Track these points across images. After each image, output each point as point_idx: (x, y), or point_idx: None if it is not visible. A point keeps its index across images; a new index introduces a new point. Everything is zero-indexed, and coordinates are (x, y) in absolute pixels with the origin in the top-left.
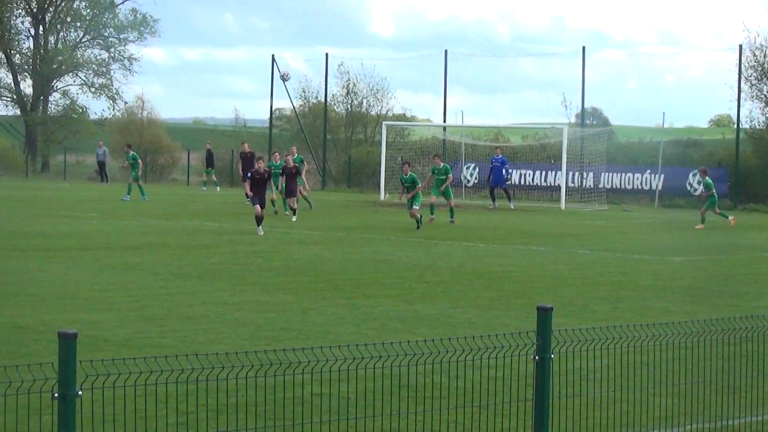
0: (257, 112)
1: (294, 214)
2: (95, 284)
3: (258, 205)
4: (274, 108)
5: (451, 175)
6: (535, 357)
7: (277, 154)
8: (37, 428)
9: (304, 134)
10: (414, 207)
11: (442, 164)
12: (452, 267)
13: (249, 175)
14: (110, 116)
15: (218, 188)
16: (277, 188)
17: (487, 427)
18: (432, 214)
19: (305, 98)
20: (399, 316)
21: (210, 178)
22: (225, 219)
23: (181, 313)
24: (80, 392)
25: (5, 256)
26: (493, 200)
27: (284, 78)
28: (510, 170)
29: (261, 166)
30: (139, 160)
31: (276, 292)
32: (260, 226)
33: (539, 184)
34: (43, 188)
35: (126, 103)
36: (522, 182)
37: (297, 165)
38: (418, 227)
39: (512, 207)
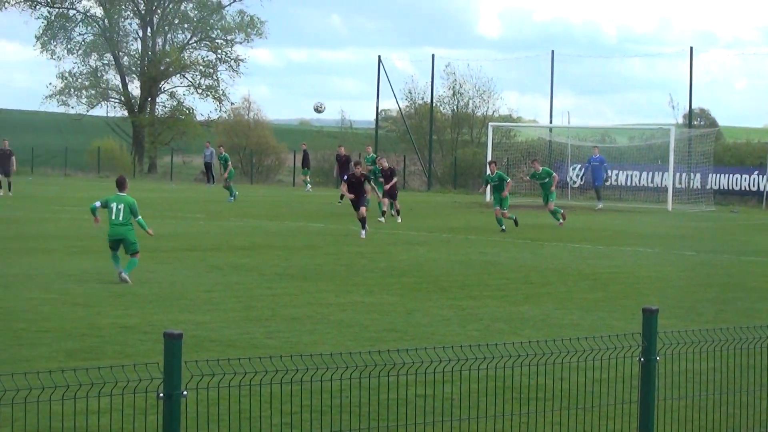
0: (363, 113)
1: (398, 215)
2: (201, 285)
3: (362, 208)
4: (380, 109)
5: (555, 175)
6: (640, 359)
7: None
8: (143, 428)
9: (410, 135)
10: (498, 208)
11: (541, 168)
12: (558, 268)
13: (345, 178)
14: (217, 117)
15: (309, 188)
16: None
17: (591, 430)
18: (558, 220)
19: (411, 99)
20: (504, 318)
21: (304, 178)
22: (330, 220)
23: (286, 314)
24: (185, 392)
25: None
26: (599, 199)
27: (318, 110)
28: (608, 170)
29: (358, 170)
30: (230, 161)
31: (380, 293)
32: (364, 230)
33: (646, 185)
34: (149, 189)
35: (232, 104)
36: (628, 183)
37: (392, 168)
38: (502, 229)
39: (599, 207)
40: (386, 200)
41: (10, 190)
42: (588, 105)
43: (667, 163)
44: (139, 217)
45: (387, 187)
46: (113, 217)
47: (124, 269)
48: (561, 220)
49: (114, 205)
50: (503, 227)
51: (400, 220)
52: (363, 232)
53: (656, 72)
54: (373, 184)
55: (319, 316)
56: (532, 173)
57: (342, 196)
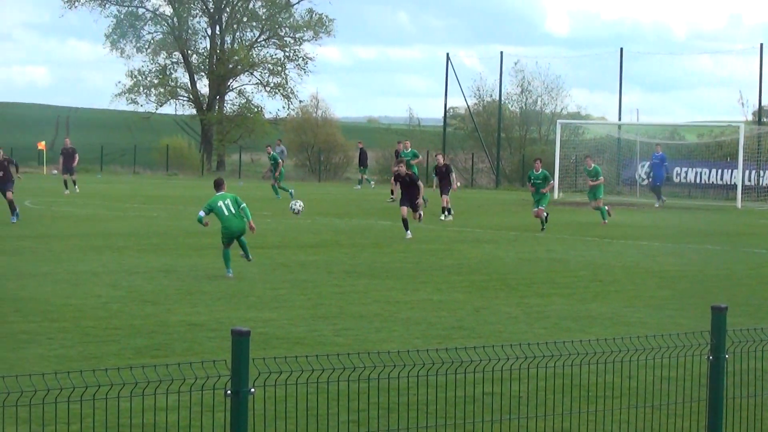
0: (431, 111)
1: (449, 214)
2: (269, 282)
3: (403, 207)
4: (448, 107)
5: (602, 177)
6: (709, 357)
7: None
8: (210, 425)
9: (478, 133)
10: (540, 207)
11: (593, 165)
12: (626, 266)
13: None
14: (285, 115)
15: (372, 185)
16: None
17: (659, 428)
18: (604, 218)
19: (479, 97)
20: (571, 315)
21: (362, 176)
22: (398, 217)
23: (354, 312)
24: (253, 389)
25: (181, 255)
26: (659, 197)
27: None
28: (668, 169)
29: (401, 168)
30: (280, 160)
31: (448, 290)
32: (408, 230)
33: (715, 182)
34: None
35: (301, 102)
36: (697, 181)
37: (447, 164)
38: (542, 228)
39: (657, 205)
40: (445, 197)
41: (75, 186)
42: (657, 102)
43: (736, 160)
44: (244, 204)
45: (450, 185)
46: (226, 214)
47: (247, 255)
48: (543, 226)
49: (221, 203)
50: (544, 227)
51: (450, 219)
52: (408, 231)
53: (725, 69)
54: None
55: (387, 314)
56: (584, 168)
57: (392, 192)
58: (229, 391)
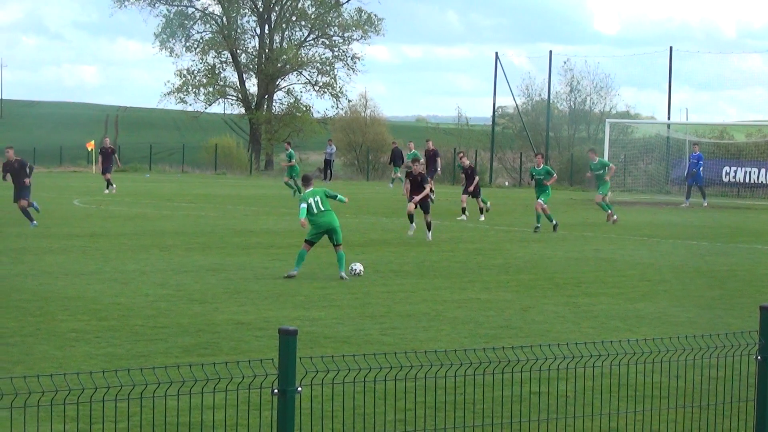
0: (480, 110)
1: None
2: (316, 281)
3: (410, 204)
4: (496, 106)
5: (612, 166)
6: (757, 357)
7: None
8: (257, 424)
9: (526, 132)
10: (539, 200)
11: (597, 159)
12: (674, 265)
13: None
14: (334, 115)
15: (391, 185)
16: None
17: (707, 428)
18: (610, 211)
19: (528, 96)
20: (619, 315)
21: (396, 175)
22: (446, 217)
23: (401, 311)
24: (300, 388)
25: (229, 253)
26: (687, 197)
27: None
28: (700, 168)
29: (416, 168)
30: (294, 159)
31: (496, 289)
32: (413, 224)
33: (764, 181)
34: (266, 186)
35: (349, 101)
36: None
37: (473, 166)
38: (536, 227)
39: (684, 205)
40: (464, 197)
41: (112, 186)
42: (707, 101)
43: None
44: (338, 195)
45: (471, 187)
46: (316, 210)
47: (341, 269)
48: (538, 224)
49: (311, 200)
50: (539, 225)
51: (483, 218)
52: (411, 227)
53: None
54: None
55: (434, 313)
56: (589, 164)
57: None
58: (276, 390)
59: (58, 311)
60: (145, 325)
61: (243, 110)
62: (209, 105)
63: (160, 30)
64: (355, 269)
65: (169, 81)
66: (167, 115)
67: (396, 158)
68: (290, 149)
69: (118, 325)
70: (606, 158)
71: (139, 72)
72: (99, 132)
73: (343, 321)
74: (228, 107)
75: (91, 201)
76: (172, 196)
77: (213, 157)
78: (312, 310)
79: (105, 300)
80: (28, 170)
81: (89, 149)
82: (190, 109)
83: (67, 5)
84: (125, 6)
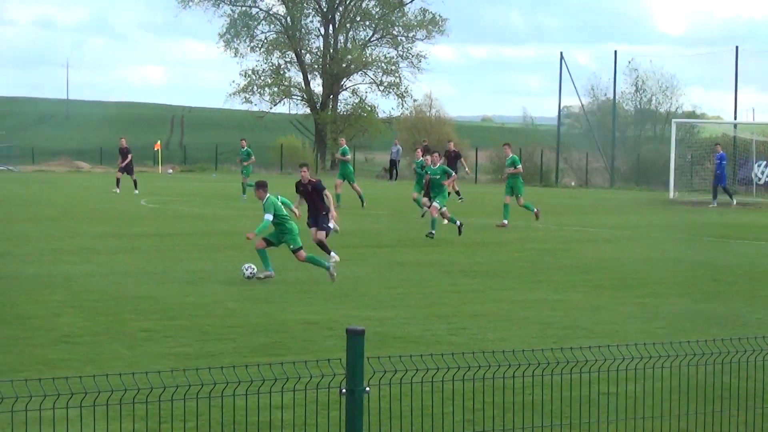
0: (545, 110)
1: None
2: (385, 281)
3: (425, 198)
4: (562, 106)
5: (519, 167)
6: None
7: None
8: (325, 423)
9: (592, 132)
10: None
11: (510, 155)
12: (744, 266)
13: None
14: (399, 115)
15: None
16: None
17: None
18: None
19: (594, 96)
20: (688, 315)
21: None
22: (514, 217)
23: (470, 311)
24: (368, 388)
25: None
26: (714, 198)
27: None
28: (725, 167)
29: (435, 158)
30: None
31: (565, 290)
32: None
33: None
34: (332, 186)
35: (415, 101)
36: None
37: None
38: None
39: (712, 205)
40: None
41: (118, 188)
42: None
43: None
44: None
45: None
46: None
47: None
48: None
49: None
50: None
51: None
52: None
53: None
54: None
55: (503, 313)
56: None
57: (458, 192)
58: (344, 390)
59: (128, 311)
60: (214, 324)
61: (308, 110)
62: (274, 105)
63: (224, 30)
64: (247, 271)
65: (234, 81)
66: (232, 116)
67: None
68: (345, 145)
69: (187, 324)
70: (672, 158)
71: (204, 72)
72: (165, 132)
73: (412, 321)
74: (293, 107)
75: (157, 201)
76: (239, 196)
77: (279, 156)
78: (380, 310)
79: (175, 299)
80: None
81: (156, 150)
82: (255, 109)
83: (132, 7)
84: (190, 7)
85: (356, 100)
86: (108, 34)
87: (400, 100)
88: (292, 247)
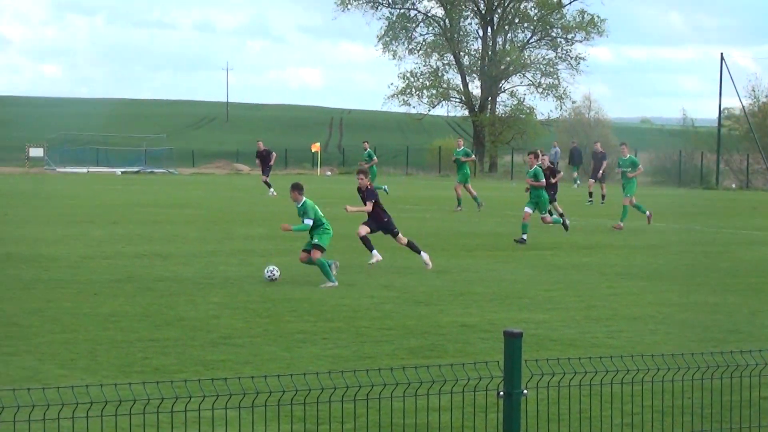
0: (705, 111)
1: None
2: (541, 284)
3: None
4: (722, 107)
5: (640, 167)
6: None
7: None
8: (483, 426)
9: (753, 134)
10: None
11: (628, 155)
12: None
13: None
14: (557, 116)
15: (576, 185)
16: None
17: None
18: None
19: (755, 97)
20: None
21: (574, 175)
22: (675, 219)
23: (628, 314)
24: (525, 391)
25: (453, 255)
26: None
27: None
28: None
29: (544, 160)
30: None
31: (723, 293)
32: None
33: None
34: (490, 188)
35: (573, 102)
36: None
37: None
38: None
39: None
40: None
41: (271, 189)
42: None
43: None
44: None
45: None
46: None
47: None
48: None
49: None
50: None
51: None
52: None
53: None
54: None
55: (662, 316)
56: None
57: (591, 193)
58: (501, 393)
59: (285, 312)
60: (370, 326)
61: (466, 112)
62: (432, 107)
63: (383, 33)
64: (272, 275)
65: (392, 83)
66: (391, 118)
67: (575, 158)
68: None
69: (344, 326)
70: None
71: (362, 74)
72: (323, 134)
73: (569, 324)
74: (451, 109)
75: (315, 203)
76: (397, 199)
77: (437, 159)
78: (537, 312)
79: (331, 302)
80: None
81: (314, 151)
82: (413, 111)
83: (291, 9)
84: (348, 9)
85: (514, 102)
86: (266, 36)
87: (558, 101)
88: (315, 240)
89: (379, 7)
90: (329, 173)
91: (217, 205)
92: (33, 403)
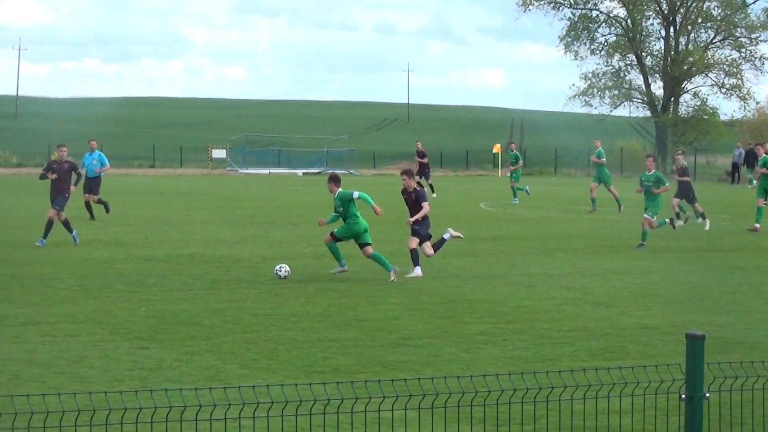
0: None
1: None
2: (724, 286)
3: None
4: None
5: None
6: None
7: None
8: (664, 429)
9: None
10: (647, 215)
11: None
12: None
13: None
14: (741, 117)
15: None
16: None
17: None
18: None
19: None
20: None
21: (750, 175)
22: None
23: None
24: (708, 394)
25: (634, 257)
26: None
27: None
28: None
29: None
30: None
31: None
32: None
33: None
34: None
35: (757, 103)
36: None
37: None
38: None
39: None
40: (675, 200)
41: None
42: None
43: None
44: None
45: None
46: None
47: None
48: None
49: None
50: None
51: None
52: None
53: None
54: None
55: None
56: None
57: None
58: (683, 396)
59: (465, 314)
60: (551, 328)
61: (648, 113)
62: (614, 108)
63: (564, 33)
64: (280, 273)
65: (573, 84)
66: (572, 119)
67: (749, 159)
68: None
69: (524, 328)
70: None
71: (543, 75)
72: (504, 135)
73: (752, 326)
74: (633, 110)
75: (496, 204)
76: (578, 200)
77: (619, 160)
78: (720, 314)
79: (511, 303)
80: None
81: (495, 152)
82: (594, 112)
83: (472, 11)
84: (529, 10)
85: (698, 103)
86: (448, 37)
87: (742, 102)
88: (336, 232)
89: (561, 8)
90: (509, 174)
91: (397, 205)
92: (215, 403)
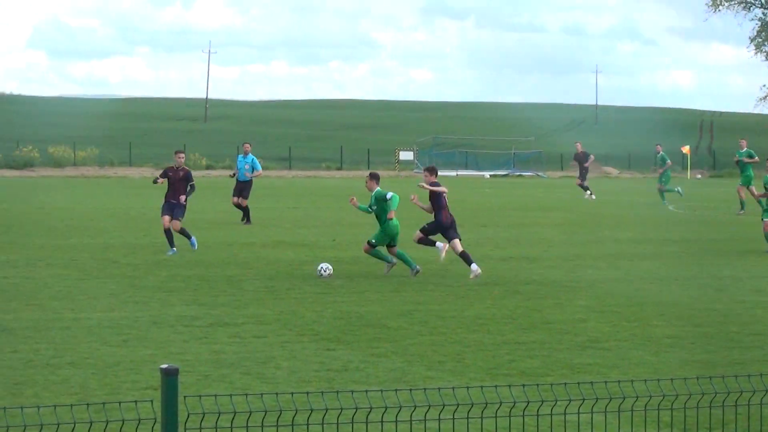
0: None
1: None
2: None
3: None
4: None
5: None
6: None
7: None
8: None
9: None
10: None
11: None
12: None
13: None
14: None
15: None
16: None
17: None
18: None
19: None
20: None
21: None
22: None
23: None
24: None
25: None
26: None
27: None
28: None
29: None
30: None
31: None
32: None
33: None
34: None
35: None
36: None
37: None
38: None
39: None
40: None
41: (588, 191)
42: None
43: None
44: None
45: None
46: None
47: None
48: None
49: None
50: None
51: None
52: None
53: None
54: None
55: None
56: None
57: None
58: None
59: (653, 317)
60: (741, 332)
61: None
62: None
63: (755, 33)
64: (324, 273)
65: (764, 85)
66: (764, 120)
67: None
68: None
69: (713, 331)
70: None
71: (733, 76)
72: (693, 137)
73: None
74: None
75: (685, 206)
76: (659, 203)
77: None
78: None
79: (700, 306)
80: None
81: (685, 154)
82: None
83: (662, 11)
84: (719, 10)
85: None
86: (637, 38)
87: None
88: (374, 240)
89: (752, 8)
90: (699, 176)
91: (584, 208)
92: (400, 404)
